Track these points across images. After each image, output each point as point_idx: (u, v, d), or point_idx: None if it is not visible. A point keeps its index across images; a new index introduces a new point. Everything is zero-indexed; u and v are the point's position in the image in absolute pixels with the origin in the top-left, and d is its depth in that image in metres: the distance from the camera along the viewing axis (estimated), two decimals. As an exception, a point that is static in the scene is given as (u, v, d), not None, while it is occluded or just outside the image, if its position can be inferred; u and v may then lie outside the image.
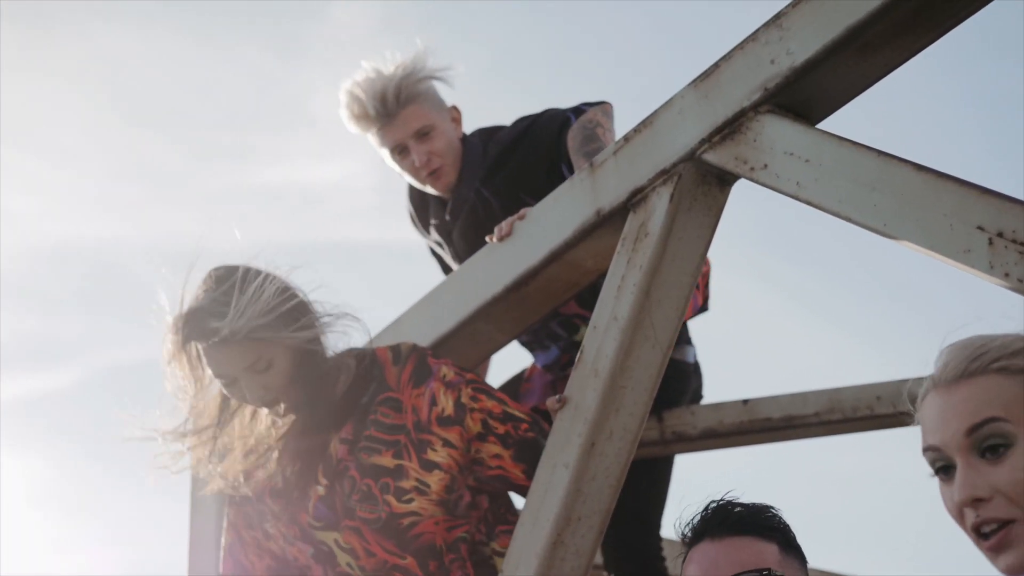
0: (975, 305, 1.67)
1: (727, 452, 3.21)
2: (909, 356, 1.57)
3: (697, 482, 2.18)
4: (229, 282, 2.41)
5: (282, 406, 2.47)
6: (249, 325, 2.36)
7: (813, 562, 4.04)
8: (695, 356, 3.15)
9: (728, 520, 1.97)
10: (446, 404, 2.45)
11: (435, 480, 2.44)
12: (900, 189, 1.94)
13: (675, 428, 3.10)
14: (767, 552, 1.97)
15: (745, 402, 3.12)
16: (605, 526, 2.31)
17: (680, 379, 3.10)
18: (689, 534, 2.00)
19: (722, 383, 3.32)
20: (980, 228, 1.83)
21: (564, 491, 2.28)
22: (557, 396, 2.36)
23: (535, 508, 2.32)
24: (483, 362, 2.97)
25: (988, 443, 1.40)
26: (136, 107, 6.87)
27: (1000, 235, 1.81)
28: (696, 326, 3.15)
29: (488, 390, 2.50)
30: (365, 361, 2.52)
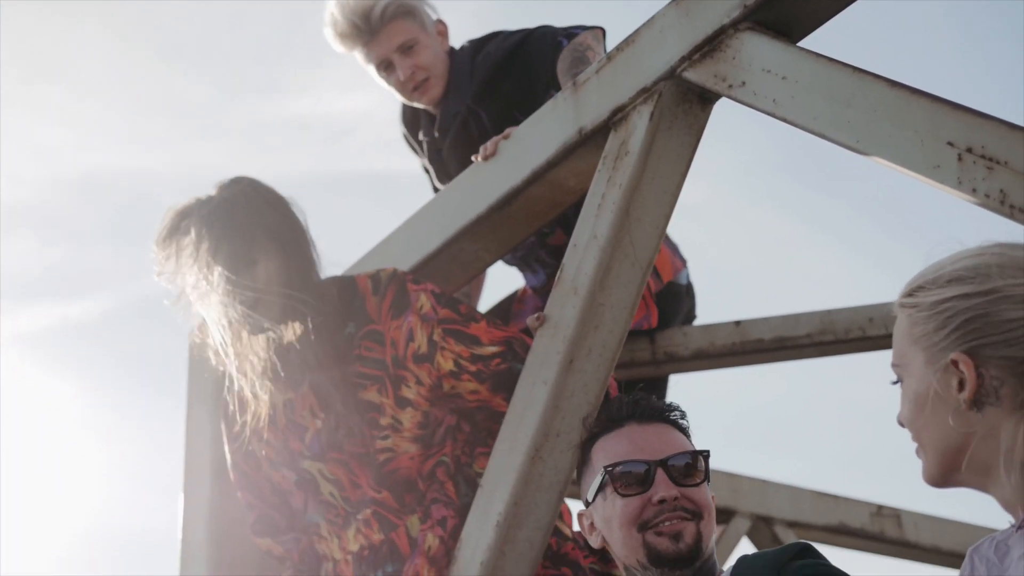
0: (974, 228, 1.69)
1: (719, 373, 3.23)
2: (904, 278, 1.57)
3: (690, 403, 2.20)
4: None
5: (281, 327, 2.47)
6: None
7: (802, 482, 4.07)
8: (688, 277, 3.16)
9: (655, 409, 2.06)
10: (421, 341, 2.45)
11: (407, 417, 2.45)
12: (874, 105, 1.93)
13: (667, 349, 3.11)
14: (686, 441, 2.04)
15: (737, 323, 3.13)
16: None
17: (672, 301, 3.11)
18: (606, 419, 2.06)
19: (715, 304, 3.33)
20: (950, 144, 1.82)
21: (543, 407, 2.30)
22: (537, 315, 2.37)
23: (514, 424, 2.34)
24: (471, 281, 2.98)
25: (896, 375, 1.57)
26: (166, 40, 6.87)
27: (969, 151, 1.80)
28: (689, 247, 3.16)
29: (460, 330, 2.47)
30: (345, 292, 2.52)
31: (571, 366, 2.30)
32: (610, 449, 2.05)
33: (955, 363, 1.47)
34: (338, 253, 2.87)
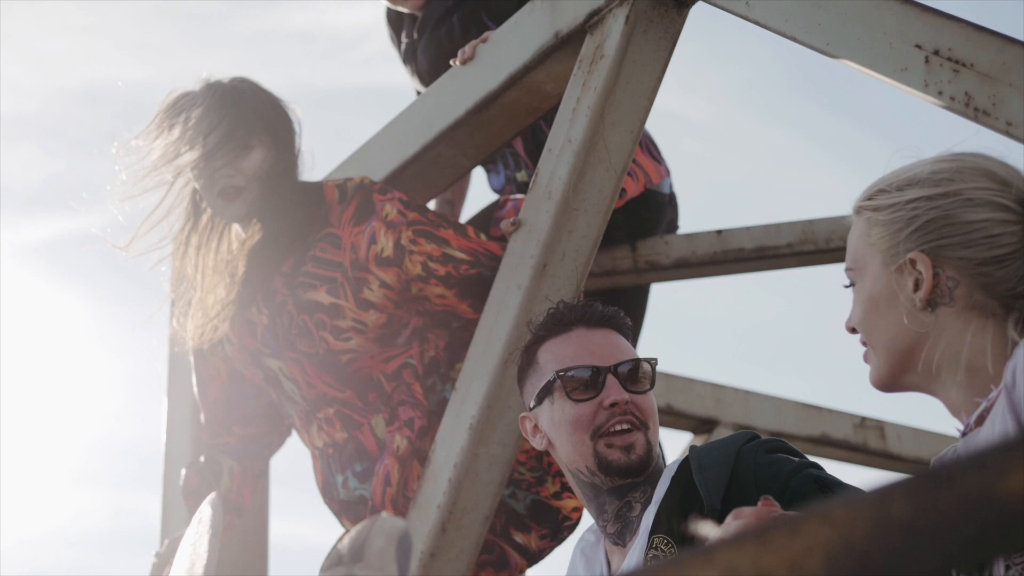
0: (959, 137, 1.70)
1: (704, 283, 3.24)
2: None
3: (672, 311, 2.21)
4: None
5: (246, 222, 2.49)
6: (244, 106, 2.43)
7: (783, 392, 4.09)
8: (671, 186, 3.15)
9: (603, 315, 2.06)
10: (385, 244, 2.46)
11: (371, 319, 2.47)
12: (844, 7, 1.92)
13: (648, 257, 3.12)
14: (632, 348, 2.05)
15: (719, 232, 3.13)
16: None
17: (655, 209, 3.11)
18: (553, 323, 2.07)
19: (698, 214, 3.33)
20: (918, 47, 1.82)
21: (516, 311, 2.31)
22: (512, 219, 2.38)
23: (489, 327, 2.36)
24: (451, 187, 2.99)
25: (848, 279, 1.59)
26: (168, -52, 6.80)
27: (936, 53, 1.79)
28: (673, 156, 3.15)
29: (429, 231, 2.48)
30: (313, 197, 2.53)
31: (544, 271, 2.32)
32: (559, 353, 2.05)
33: (913, 262, 1.49)
34: (335, 166, 2.89)
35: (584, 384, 2.01)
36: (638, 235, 3.09)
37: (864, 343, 1.55)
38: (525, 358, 2.13)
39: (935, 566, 0.66)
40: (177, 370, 3.12)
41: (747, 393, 3.95)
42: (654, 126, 3.09)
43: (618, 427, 1.98)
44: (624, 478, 1.97)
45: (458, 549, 2.35)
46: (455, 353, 2.56)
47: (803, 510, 0.72)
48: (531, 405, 2.06)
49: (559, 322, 2.09)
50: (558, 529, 2.55)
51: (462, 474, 2.34)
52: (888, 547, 0.68)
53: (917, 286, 1.49)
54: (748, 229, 3.11)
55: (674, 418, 3.76)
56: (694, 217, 3.26)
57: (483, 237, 2.54)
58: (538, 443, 2.07)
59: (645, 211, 3.08)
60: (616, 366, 2.02)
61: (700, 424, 3.76)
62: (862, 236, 1.57)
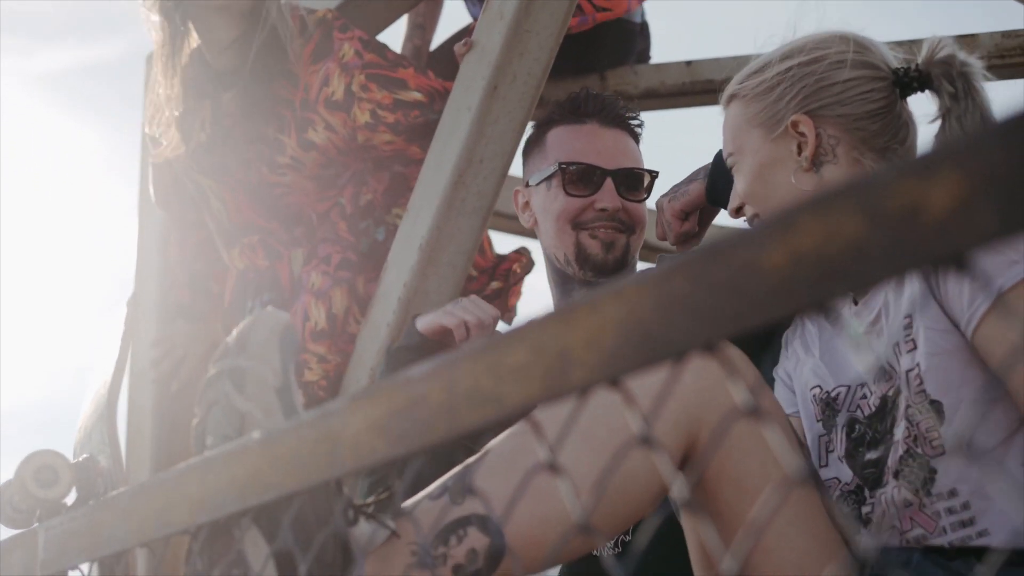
0: None
1: (671, 113, 3.23)
2: (856, 24, 1.59)
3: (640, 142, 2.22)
4: None
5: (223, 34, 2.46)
6: None
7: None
8: (643, 15, 3.12)
9: (620, 115, 2.09)
10: (337, 88, 2.43)
11: (310, 159, 2.46)
12: None
13: (617, 87, 3.10)
14: (639, 156, 2.09)
15: (688, 63, 3.10)
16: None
17: (625, 39, 3.08)
18: (571, 110, 2.09)
19: (670, 45, 3.30)
20: None
21: (466, 133, 2.32)
22: (464, 40, 2.37)
23: (439, 151, 2.37)
24: (418, 6, 2.95)
25: (729, 166, 1.65)
26: None
27: None
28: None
29: (384, 75, 2.44)
30: (277, 26, 2.49)
31: (495, 92, 2.31)
32: (567, 143, 2.10)
33: (795, 125, 1.55)
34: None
35: (582, 181, 2.07)
36: (608, 64, 3.07)
37: (751, 219, 1.61)
38: (536, 134, 2.18)
39: (708, 336, 0.69)
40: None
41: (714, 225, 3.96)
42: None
43: (601, 230, 2.03)
44: (597, 275, 2.02)
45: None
46: (393, 198, 2.56)
47: (601, 288, 0.75)
48: (528, 182, 2.11)
49: (575, 111, 2.12)
50: None
51: (411, 294, 2.37)
52: (668, 321, 0.71)
53: (801, 148, 1.55)
54: (718, 60, 3.08)
55: (645, 251, 3.78)
56: (664, 48, 3.23)
57: (441, 78, 2.51)
58: (525, 220, 2.14)
59: (615, 40, 3.06)
60: (618, 170, 2.06)
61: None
62: (739, 116, 1.63)
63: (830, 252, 0.63)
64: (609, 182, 2.06)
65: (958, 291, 1.34)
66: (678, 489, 1.28)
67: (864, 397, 1.47)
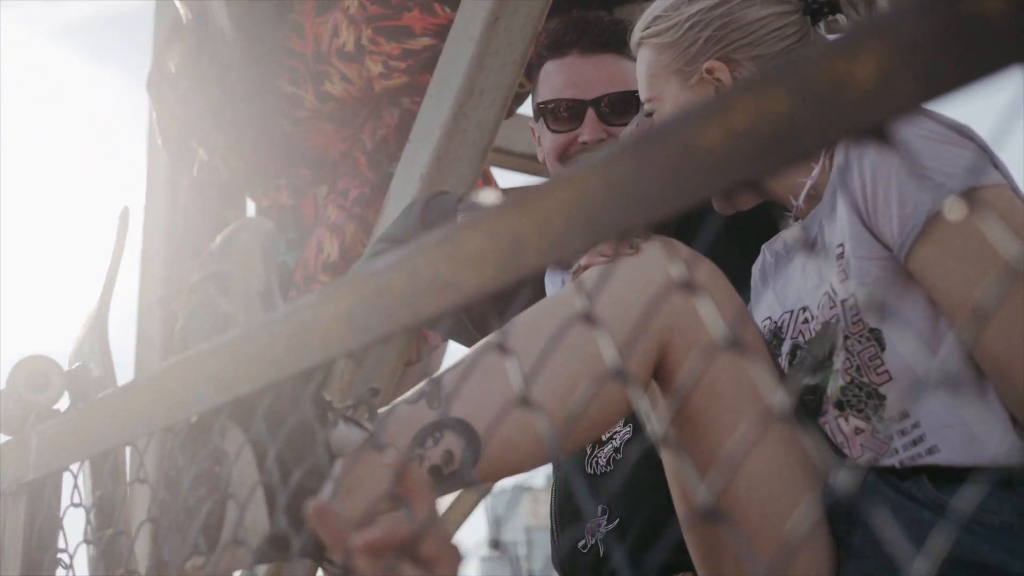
0: None
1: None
2: None
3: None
4: None
5: None
6: None
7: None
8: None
9: (602, 39, 2.05)
10: (347, 40, 2.44)
11: (329, 108, 2.48)
12: None
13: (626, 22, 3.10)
14: (629, 76, 2.05)
15: None
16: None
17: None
18: (552, 43, 2.09)
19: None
20: None
21: (467, 64, 2.33)
22: None
23: (440, 81, 2.38)
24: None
25: (647, 113, 1.62)
26: None
27: None
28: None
29: (390, 26, 2.45)
30: None
31: (496, 24, 2.32)
32: (549, 80, 2.09)
33: (710, 71, 1.53)
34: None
35: (563, 116, 2.06)
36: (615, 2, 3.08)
37: None
38: (531, 73, 2.18)
39: (649, 217, 0.71)
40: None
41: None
42: None
43: None
44: None
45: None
46: (405, 133, 2.57)
47: (555, 175, 0.77)
48: (533, 120, 2.13)
49: (556, 44, 2.09)
50: None
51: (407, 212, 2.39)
52: (613, 203, 0.73)
53: (718, 93, 1.53)
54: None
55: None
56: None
57: (449, 10, 2.51)
58: (539, 155, 2.14)
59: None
60: (599, 99, 2.03)
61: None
62: (653, 64, 1.60)
63: (763, 129, 0.65)
64: (590, 113, 2.03)
65: (888, 217, 1.33)
66: (644, 406, 1.31)
67: (806, 322, 1.46)
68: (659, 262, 1.34)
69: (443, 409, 1.24)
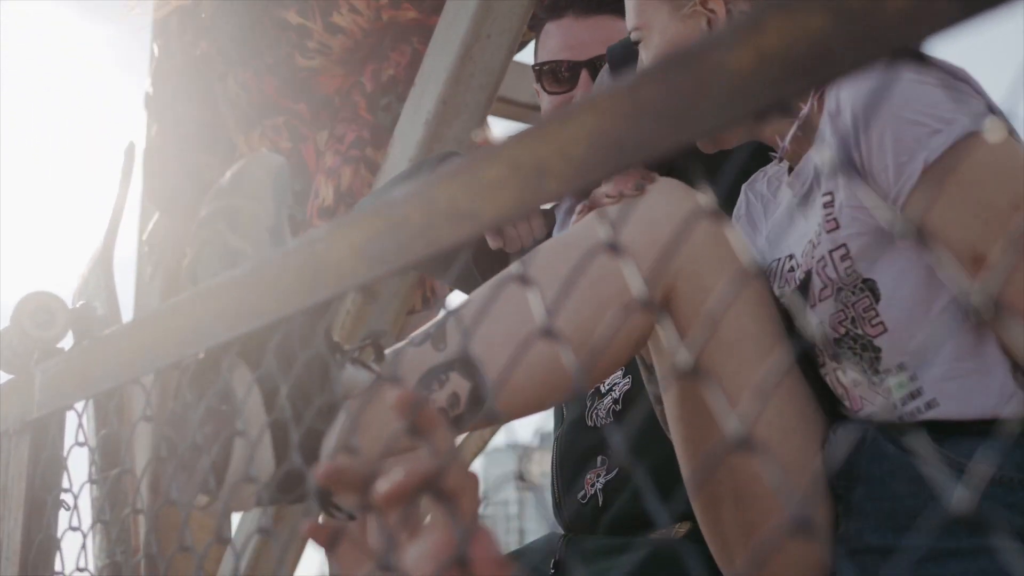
0: None
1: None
2: None
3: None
4: None
5: None
6: None
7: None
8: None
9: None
10: None
11: (338, 43, 2.45)
12: None
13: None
14: (625, 31, 2.04)
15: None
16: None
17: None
18: (549, 5, 2.06)
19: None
20: None
21: (474, 7, 2.31)
22: None
23: (446, 25, 2.36)
24: None
25: (634, 41, 1.57)
26: None
27: None
28: None
29: None
30: None
31: (504, -33, 2.30)
32: (546, 42, 2.08)
33: (704, 2, 1.49)
34: None
35: (557, 80, 2.05)
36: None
37: None
38: (534, 36, 2.16)
39: (676, 141, 0.70)
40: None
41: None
42: None
43: None
44: None
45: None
46: (415, 73, 2.55)
47: (578, 100, 0.75)
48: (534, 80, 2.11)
49: (553, 6, 2.09)
50: None
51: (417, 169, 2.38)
52: (639, 128, 0.71)
53: (711, 25, 1.49)
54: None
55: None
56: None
57: None
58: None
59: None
60: (594, 60, 2.03)
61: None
62: None
63: (796, 49, 0.63)
64: (584, 74, 2.03)
65: (883, 166, 1.29)
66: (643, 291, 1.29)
67: (792, 270, 1.44)
68: (671, 201, 1.32)
69: (449, 351, 1.22)
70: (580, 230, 1.31)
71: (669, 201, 1.32)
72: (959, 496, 0.52)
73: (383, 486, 0.73)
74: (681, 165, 1.66)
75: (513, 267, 0.99)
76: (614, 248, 0.73)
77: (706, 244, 1.32)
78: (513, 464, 0.76)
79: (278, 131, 2.54)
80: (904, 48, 0.59)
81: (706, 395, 1.30)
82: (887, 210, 1.31)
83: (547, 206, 2.01)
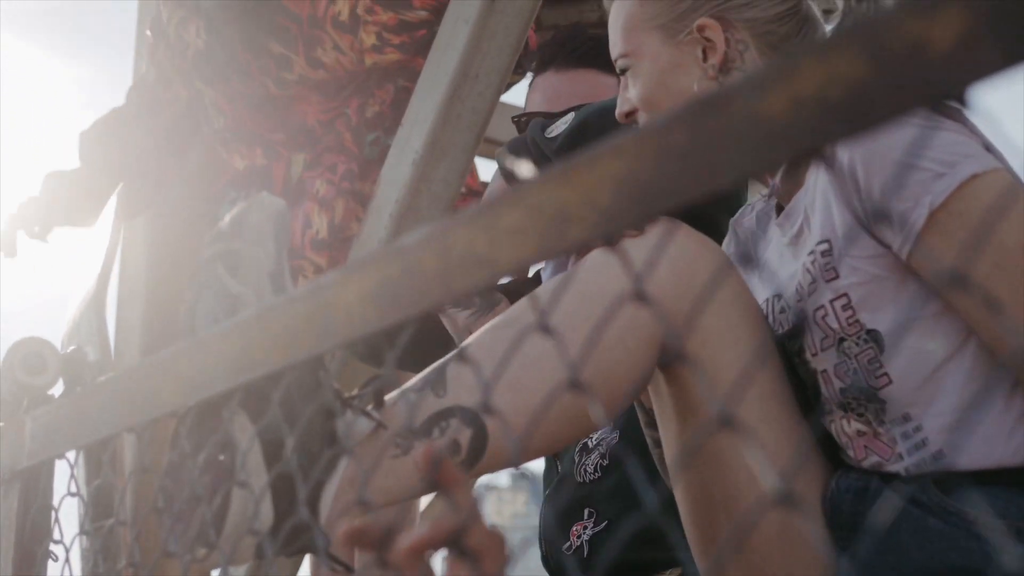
0: None
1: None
2: None
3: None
4: None
5: None
6: None
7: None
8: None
9: (575, 55, 2.04)
10: (343, 9, 2.40)
11: (318, 77, 2.45)
12: None
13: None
14: (607, 85, 2.04)
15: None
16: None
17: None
18: (537, 60, 2.09)
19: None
20: None
21: (463, 46, 2.30)
22: None
23: (435, 64, 2.34)
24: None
25: (620, 69, 1.54)
26: None
27: None
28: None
29: None
30: None
31: (493, 6, 2.29)
32: (531, 97, 2.12)
33: (701, 29, 1.45)
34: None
35: None
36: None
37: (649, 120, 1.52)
38: (519, 78, 2.18)
39: (706, 188, 0.68)
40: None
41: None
42: None
43: None
44: None
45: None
46: (400, 111, 2.54)
47: (601, 144, 0.74)
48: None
49: (540, 62, 2.12)
50: None
51: (404, 209, 2.36)
52: (667, 173, 0.70)
53: (707, 54, 1.46)
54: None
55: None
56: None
57: None
58: None
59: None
60: (567, 111, 2.03)
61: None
62: (634, 16, 1.53)
63: (832, 95, 0.62)
64: None
65: (886, 213, 1.26)
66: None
67: (783, 311, 1.42)
68: (687, 247, 1.30)
69: (448, 397, 1.21)
70: (592, 275, 1.29)
71: (684, 247, 1.30)
72: (1019, 555, 0.50)
73: (405, 542, 0.71)
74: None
75: (529, 313, 0.98)
76: (641, 297, 0.71)
77: (717, 296, 1.31)
78: (492, 505, 0.75)
79: (252, 150, 2.53)
80: (945, 94, 0.58)
81: (737, 445, 1.28)
82: (889, 258, 1.29)
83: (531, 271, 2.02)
